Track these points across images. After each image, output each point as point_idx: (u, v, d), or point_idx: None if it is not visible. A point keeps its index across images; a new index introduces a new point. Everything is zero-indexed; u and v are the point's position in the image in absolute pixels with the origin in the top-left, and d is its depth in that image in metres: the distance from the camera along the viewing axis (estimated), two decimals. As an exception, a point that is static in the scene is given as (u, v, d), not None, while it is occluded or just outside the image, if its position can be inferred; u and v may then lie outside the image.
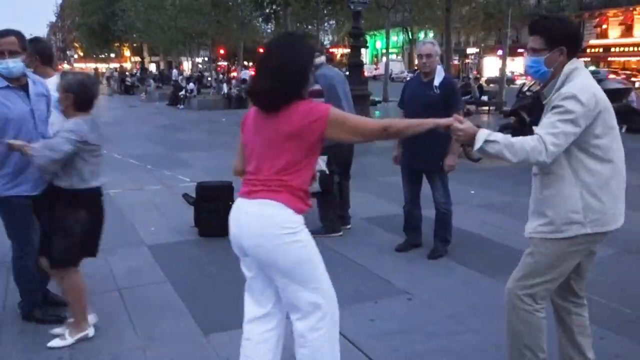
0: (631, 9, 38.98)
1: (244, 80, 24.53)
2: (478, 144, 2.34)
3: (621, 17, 43.23)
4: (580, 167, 2.38)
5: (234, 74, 38.28)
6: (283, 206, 2.30)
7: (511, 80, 36.50)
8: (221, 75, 33.58)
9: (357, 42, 14.61)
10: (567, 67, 2.41)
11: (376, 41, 55.07)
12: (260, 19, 17.93)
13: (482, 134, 2.35)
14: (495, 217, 6.08)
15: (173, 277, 4.47)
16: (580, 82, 2.36)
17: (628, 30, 44.52)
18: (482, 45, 45.69)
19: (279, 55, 2.36)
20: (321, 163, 5.20)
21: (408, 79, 8.22)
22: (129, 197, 7.21)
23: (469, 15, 30.31)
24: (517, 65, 46.20)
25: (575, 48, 2.46)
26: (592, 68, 38.71)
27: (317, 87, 5.14)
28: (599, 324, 3.27)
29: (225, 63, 60.56)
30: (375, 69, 48.82)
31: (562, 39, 2.42)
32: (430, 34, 48.84)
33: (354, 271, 4.57)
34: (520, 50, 48.34)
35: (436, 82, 4.55)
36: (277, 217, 2.30)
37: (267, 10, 15.86)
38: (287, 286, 2.39)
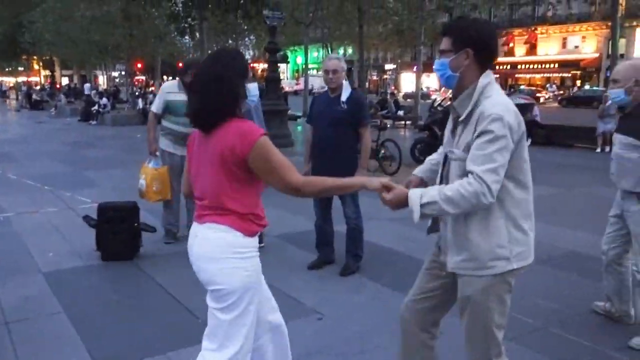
0: (533, 28, 41.55)
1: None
2: (415, 212, 2.10)
3: (525, 36, 46.05)
4: (506, 197, 2.16)
5: (152, 88, 37.27)
6: (229, 229, 2.22)
7: (426, 96, 37.84)
8: (137, 90, 32.56)
9: (273, 57, 14.60)
10: (482, 80, 2.18)
11: (297, 57, 55.50)
12: (176, 32, 17.44)
13: (415, 200, 2.10)
14: (408, 231, 6.14)
15: (69, 306, 4.15)
16: (500, 100, 2.14)
17: (532, 49, 47.52)
18: (399, 61, 47.17)
19: (206, 72, 2.27)
20: None
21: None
22: (24, 221, 6.70)
23: (386, 33, 31.14)
24: (432, 81, 48.03)
25: (485, 55, 2.20)
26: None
27: None
28: (501, 336, 3.32)
29: (143, 77, 58.98)
30: (297, 84, 49.18)
31: (469, 41, 2.18)
32: (349, 50, 49.85)
33: (264, 292, 4.43)
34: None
35: (343, 98, 4.54)
36: (221, 239, 2.23)
37: (183, 24, 15.49)
38: (215, 314, 2.31)
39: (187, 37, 21.22)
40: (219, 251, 2.22)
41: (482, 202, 2.05)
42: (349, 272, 4.74)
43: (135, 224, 5.30)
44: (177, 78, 5.72)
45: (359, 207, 4.78)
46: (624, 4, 32.47)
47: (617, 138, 3.56)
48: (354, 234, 4.78)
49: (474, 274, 2.22)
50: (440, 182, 2.34)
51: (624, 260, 3.75)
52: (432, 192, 2.11)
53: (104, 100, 24.89)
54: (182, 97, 5.48)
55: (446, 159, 2.34)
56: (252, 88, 2.34)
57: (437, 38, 44.20)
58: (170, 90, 5.56)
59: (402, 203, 2.16)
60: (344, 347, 3.50)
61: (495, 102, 2.12)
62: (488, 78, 2.19)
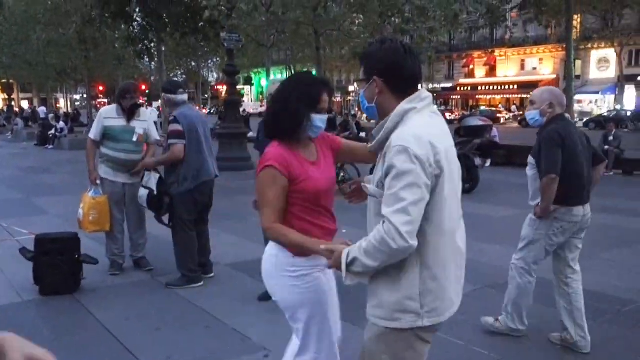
0: (490, 51, 42.53)
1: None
2: (344, 275, 1.91)
3: (485, 59, 47.14)
4: (422, 242, 1.84)
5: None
6: (280, 249, 2.33)
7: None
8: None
9: (232, 79, 14.44)
10: (401, 107, 1.90)
11: (261, 79, 55.53)
12: (133, 55, 17.15)
13: (343, 259, 1.90)
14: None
15: None
16: (413, 128, 1.85)
17: (492, 71, 48.63)
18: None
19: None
20: (154, 182, 4.99)
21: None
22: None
23: (348, 55, 31.44)
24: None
25: (396, 81, 1.94)
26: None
27: (178, 127, 4.83)
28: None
29: (106, 100, 58.10)
30: (261, 106, 49.06)
31: (375, 68, 1.97)
32: (313, 71, 50.07)
33: (211, 326, 4.20)
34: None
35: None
36: (273, 258, 2.37)
37: (140, 46, 15.23)
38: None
39: (146, 59, 20.94)
40: (273, 269, 2.38)
41: (394, 249, 1.76)
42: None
43: (76, 256, 5.00)
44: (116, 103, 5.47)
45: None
46: (578, 27, 33.68)
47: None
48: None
49: (376, 323, 1.98)
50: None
51: (570, 280, 3.79)
52: (354, 249, 1.89)
53: (61, 124, 24.26)
54: (121, 122, 5.25)
55: None
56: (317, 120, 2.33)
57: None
58: (108, 115, 5.32)
59: (338, 263, 1.95)
60: (291, 386, 3.28)
61: (406, 131, 1.85)
62: (411, 104, 1.92)
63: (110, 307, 4.59)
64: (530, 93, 3.84)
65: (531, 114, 3.70)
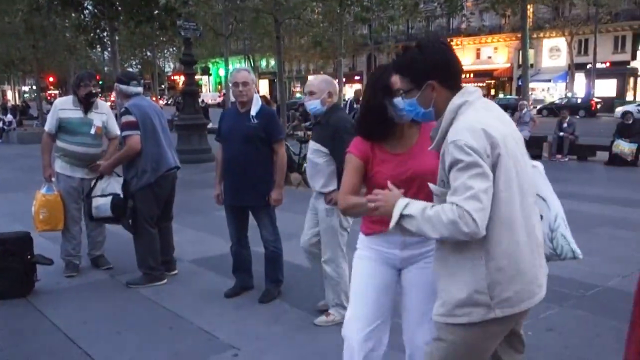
0: (449, 40, 42.97)
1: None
2: (393, 219, 1.92)
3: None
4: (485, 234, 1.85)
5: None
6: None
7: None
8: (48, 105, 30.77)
9: (189, 69, 14.10)
10: (453, 103, 1.95)
11: (219, 69, 54.68)
12: (84, 44, 16.45)
13: (399, 207, 1.92)
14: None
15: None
16: (465, 122, 1.90)
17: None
18: (322, 72, 47.54)
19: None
20: (116, 186, 4.77)
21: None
22: None
23: (307, 45, 31.23)
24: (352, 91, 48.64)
25: (450, 77, 2.00)
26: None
27: (131, 118, 4.62)
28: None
29: (57, 91, 56.18)
30: (220, 97, 48.38)
31: (426, 72, 1.98)
32: (272, 62, 49.69)
33: (175, 327, 4.03)
34: (356, 77, 51.25)
35: (253, 112, 4.23)
36: None
37: (92, 35, 14.64)
38: None
39: (98, 49, 20.18)
40: None
41: (465, 232, 1.77)
42: (269, 298, 4.42)
43: (29, 257, 4.74)
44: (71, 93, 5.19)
45: (277, 229, 4.48)
46: (531, 16, 34.40)
47: (310, 144, 3.89)
48: (274, 257, 4.46)
49: (448, 321, 1.97)
50: None
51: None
52: (416, 206, 1.90)
53: (9, 117, 23.32)
54: (78, 114, 4.99)
55: None
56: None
57: (358, 49, 44.92)
58: (64, 106, 5.04)
59: (391, 207, 1.95)
60: (261, 386, 3.18)
61: (461, 125, 1.89)
62: (462, 98, 1.96)
63: (67, 311, 4.36)
64: (309, 82, 3.90)
65: (313, 104, 3.81)
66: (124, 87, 4.79)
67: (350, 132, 3.39)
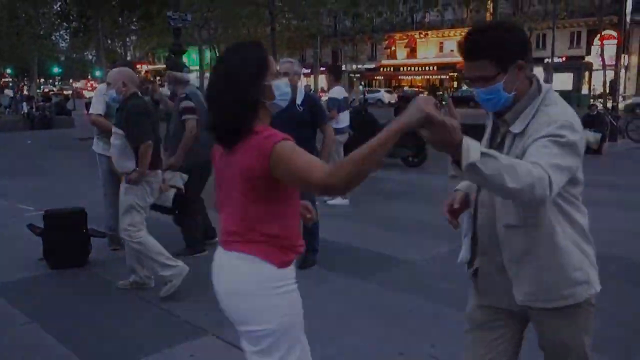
0: (410, 34, 44.08)
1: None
2: (472, 156, 1.54)
3: (406, 40, 48.70)
4: (564, 218, 1.90)
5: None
6: (259, 260, 1.89)
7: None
8: (18, 94, 30.16)
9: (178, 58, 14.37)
10: (545, 87, 1.90)
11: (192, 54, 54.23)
12: (67, 32, 16.44)
13: (475, 143, 1.57)
14: (344, 224, 6.53)
15: (36, 315, 4.06)
16: (568, 108, 1.87)
17: (413, 52, 50.32)
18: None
19: (213, 80, 1.97)
20: (179, 181, 5.07)
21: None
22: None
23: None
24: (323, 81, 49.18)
25: (530, 56, 1.90)
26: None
27: (190, 104, 5.07)
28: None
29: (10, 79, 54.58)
30: (197, 87, 47.89)
31: (514, 53, 1.84)
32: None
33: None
34: (322, 68, 51.76)
35: (298, 101, 4.67)
36: (252, 273, 1.91)
37: (74, 24, 14.68)
38: (252, 358, 1.97)
39: (80, 35, 19.80)
40: (251, 287, 1.90)
41: (536, 194, 1.60)
42: (308, 264, 5.01)
43: (84, 230, 5.20)
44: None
45: (316, 202, 5.04)
46: (491, 10, 35.55)
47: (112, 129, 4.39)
48: (311, 228, 5.03)
49: (550, 306, 1.93)
50: (475, 211, 2.03)
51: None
52: (491, 151, 1.64)
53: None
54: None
55: None
56: (281, 85, 1.96)
57: (325, 42, 44.77)
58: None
59: (450, 138, 1.54)
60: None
61: (568, 111, 1.85)
62: (546, 83, 1.91)
63: (126, 275, 4.84)
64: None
65: (110, 94, 4.32)
66: (179, 74, 5.29)
67: (142, 115, 3.94)
